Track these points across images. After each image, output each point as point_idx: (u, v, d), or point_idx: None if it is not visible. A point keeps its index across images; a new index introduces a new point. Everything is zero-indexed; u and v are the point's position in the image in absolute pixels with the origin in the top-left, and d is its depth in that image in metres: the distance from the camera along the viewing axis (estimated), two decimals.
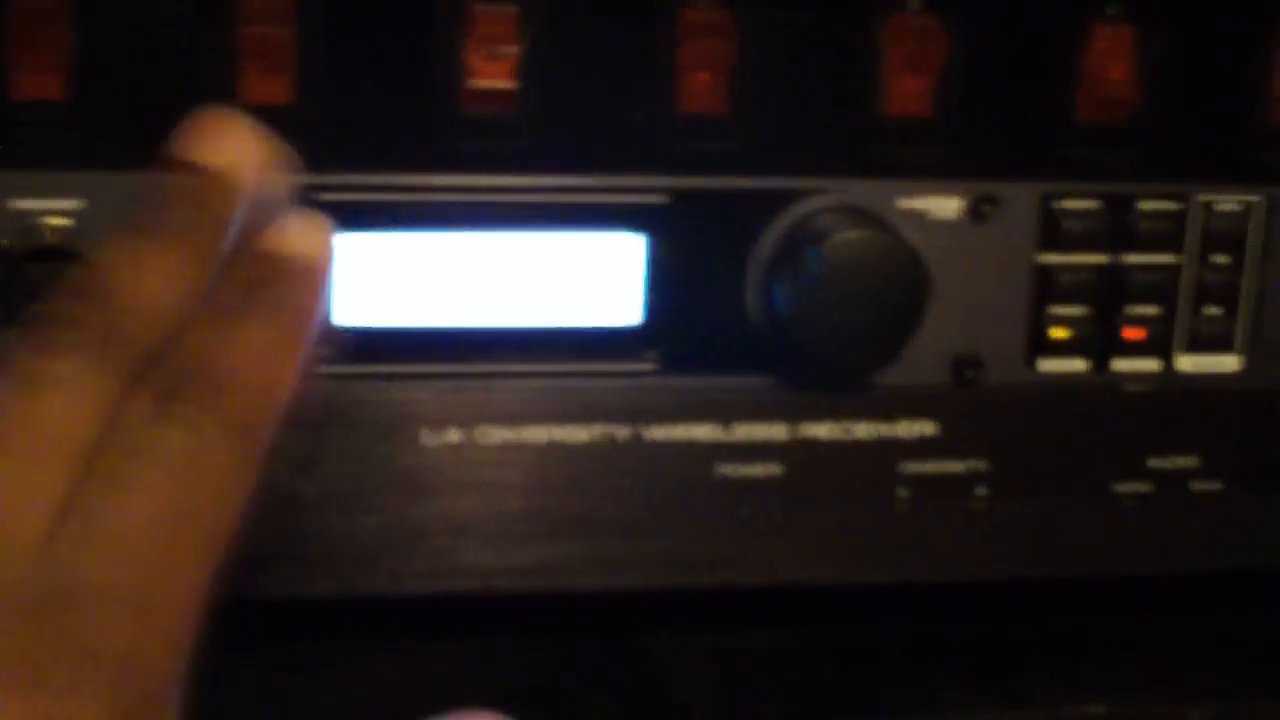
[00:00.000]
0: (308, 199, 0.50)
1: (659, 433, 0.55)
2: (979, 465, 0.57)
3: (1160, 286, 0.57)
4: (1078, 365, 0.57)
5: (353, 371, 0.50)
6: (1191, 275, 0.57)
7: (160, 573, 0.37)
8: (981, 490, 0.57)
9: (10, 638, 0.35)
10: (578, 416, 0.54)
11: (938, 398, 0.56)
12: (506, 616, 0.58)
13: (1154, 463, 0.59)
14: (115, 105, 0.54)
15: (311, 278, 0.40)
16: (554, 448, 0.54)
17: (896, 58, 0.57)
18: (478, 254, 0.53)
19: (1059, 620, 0.62)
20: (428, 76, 0.55)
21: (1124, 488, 0.59)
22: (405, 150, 0.54)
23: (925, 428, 0.57)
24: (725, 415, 0.55)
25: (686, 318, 0.54)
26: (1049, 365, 0.57)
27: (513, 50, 0.55)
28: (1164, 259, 0.57)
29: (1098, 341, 0.57)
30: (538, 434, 0.54)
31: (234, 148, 0.40)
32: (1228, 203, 0.57)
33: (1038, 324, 0.57)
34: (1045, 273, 0.56)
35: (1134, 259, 0.57)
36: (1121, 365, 0.58)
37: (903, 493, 0.57)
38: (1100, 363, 0.57)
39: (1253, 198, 0.58)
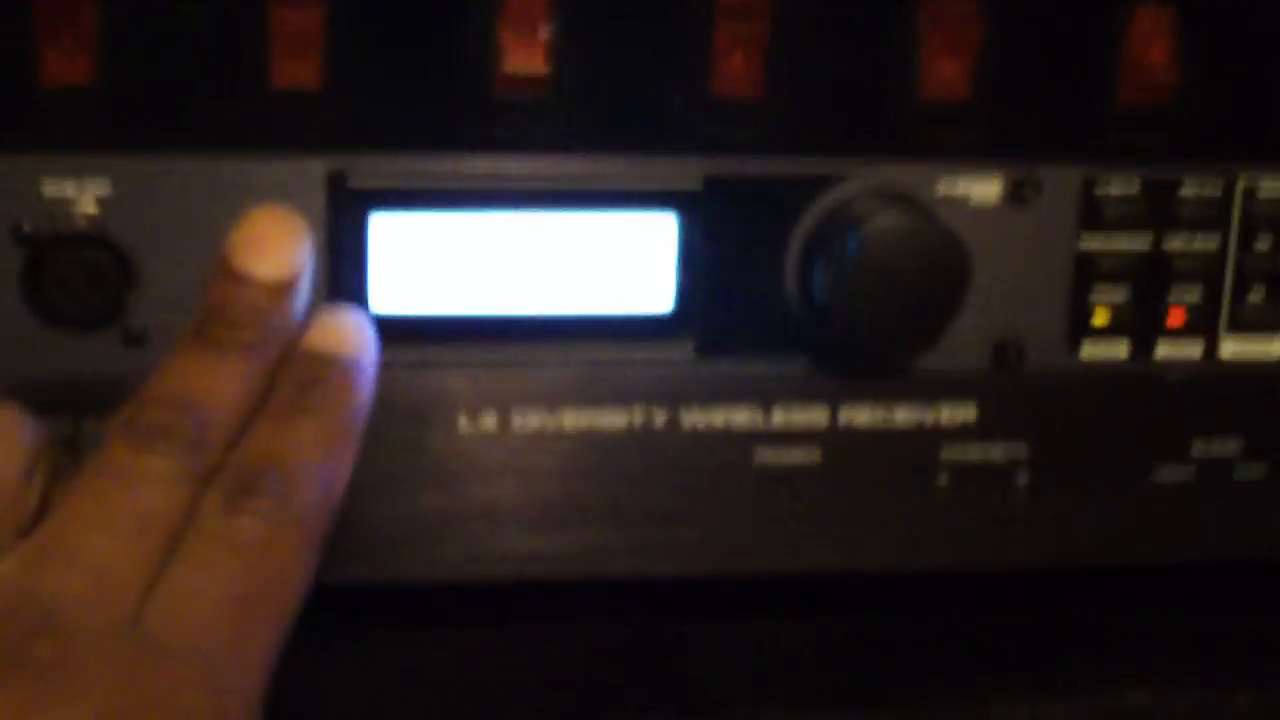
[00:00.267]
0: (340, 184, 0.50)
1: (696, 419, 0.54)
2: (1020, 451, 0.56)
3: (1203, 270, 0.56)
4: (1119, 350, 0.57)
5: (387, 359, 0.50)
6: (1234, 259, 0.57)
7: (235, 641, 0.43)
8: (1022, 476, 0.57)
9: (106, 690, 0.41)
10: (614, 402, 0.54)
11: (978, 383, 0.56)
12: (540, 603, 0.57)
13: (1197, 449, 0.58)
14: (144, 89, 0.53)
15: (357, 374, 0.47)
16: (590, 434, 0.54)
17: (933, 40, 0.56)
18: (511, 238, 0.52)
19: (1100, 609, 0.62)
20: (459, 59, 0.54)
21: (1166, 474, 0.58)
22: (436, 133, 0.53)
23: (965, 413, 0.56)
24: (763, 401, 0.55)
25: (722, 302, 0.54)
26: (1090, 350, 0.56)
27: (545, 33, 0.54)
28: (1207, 242, 0.56)
29: (1140, 326, 0.56)
30: (574, 420, 0.54)
31: (287, 258, 0.47)
32: (1271, 185, 0.56)
33: (1079, 308, 0.56)
34: (1086, 257, 0.55)
35: (1176, 243, 0.56)
36: (1164, 350, 0.57)
37: (943, 479, 0.56)
38: (1142, 348, 0.57)
39: None
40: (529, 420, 0.53)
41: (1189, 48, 0.57)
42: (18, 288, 0.49)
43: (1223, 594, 0.62)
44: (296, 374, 0.46)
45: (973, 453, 0.56)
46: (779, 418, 0.55)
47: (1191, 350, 0.57)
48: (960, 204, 0.54)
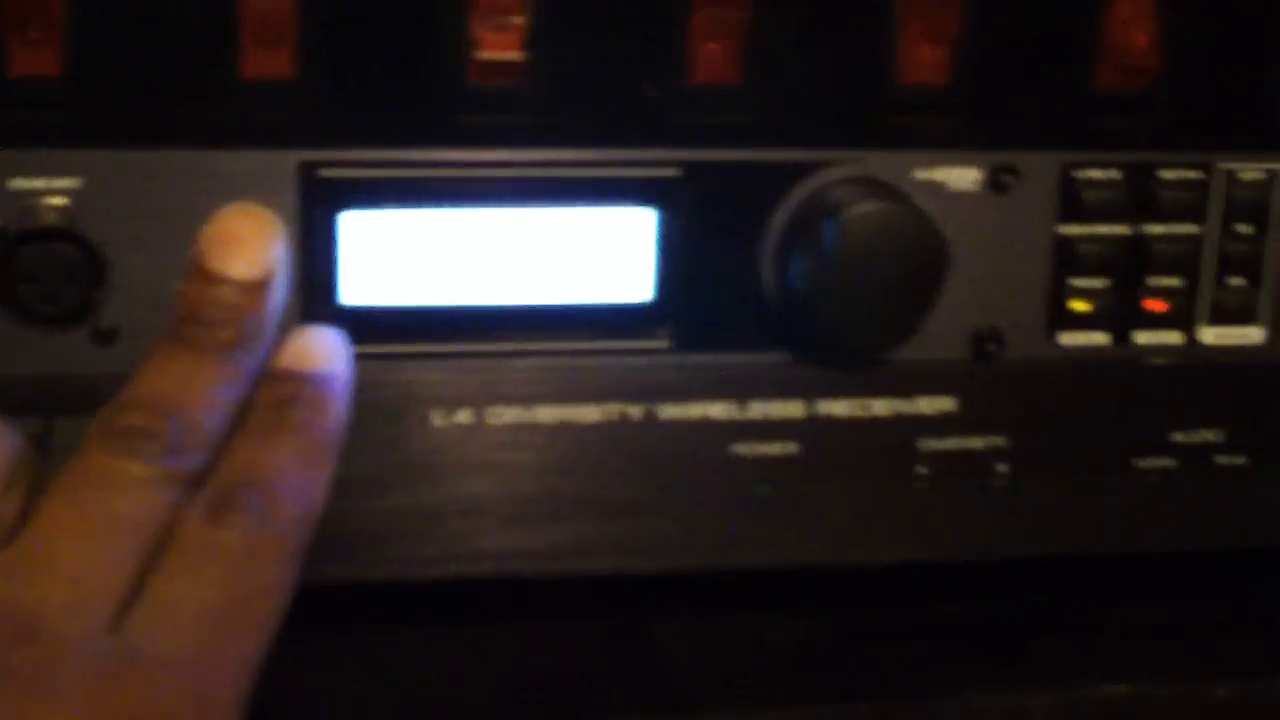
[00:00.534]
0: (312, 176, 0.50)
1: (672, 412, 0.54)
2: (999, 441, 0.56)
3: (1183, 257, 0.56)
4: (1099, 338, 0.56)
5: (361, 353, 0.49)
6: (1214, 246, 0.56)
7: (215, 651, 0.43)
8: (1002, 467, 0.56)
9: (86, 698, 0.41)
10: (590, 396, 0.53)
11: (957, 373, 0.55)
12: (516, 601, 0.57)
13: (1177, 437, 0.57)
14: (113, 81, 0.53)
15: (333, 393, 0.47)
16: (566, 428, 0.53)
17: (912, 26, 0.56)
18: (486, 230, 0.51)
19: (1080, 599, 0.61)
20: (432, 48, 0.54)
21: (1146, 463, 0.58)
22: (410, 124, 0.53)
23: (944, 404, 0.56)
24: (740, 393, 0.54)
25: (700, 294, 0.53)
26: (1070, 339, 0.56)
27: (520, 21, 0.53)
28: (1186, 229, 0.56)
29: (1119, 314, 0.56)
30: (549, 414, 0.53)
31: (261, 256, 0.47)
32: (1251, 172, 0.56)
33: (1058, 297, 0.55)
34: (1066, 244, 0.55)
35: (1156, 229, 0.56)
36: (1144, 338, 0.57)
37: (921, 470, 0.56)
38: (1122, 336, 0.56)
39: (1277, 166, 0.56)
40: (505, 414, 0.53)
41: (1169, 33, 0.57)
42: None
43: (1203, 583, 0.62)
44: (275, 392, 0.47)
45: (952, 443, 0.56)
46: (756, 410, 0.54)
47: (1172, 337, 0.57)
48: (939, 192, 0.54)
